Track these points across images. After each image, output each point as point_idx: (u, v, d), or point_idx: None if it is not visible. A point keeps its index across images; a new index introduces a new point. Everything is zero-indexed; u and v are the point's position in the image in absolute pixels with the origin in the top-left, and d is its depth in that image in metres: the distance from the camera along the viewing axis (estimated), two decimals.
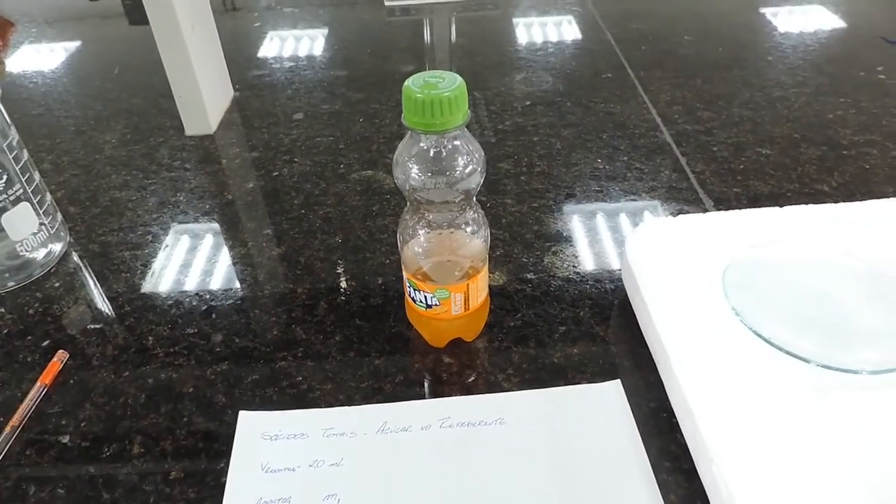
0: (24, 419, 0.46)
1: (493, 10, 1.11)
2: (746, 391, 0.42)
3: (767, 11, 1.05)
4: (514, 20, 1.07)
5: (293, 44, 1.02)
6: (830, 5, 1.06)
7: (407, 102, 0.38)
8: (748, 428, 0.40)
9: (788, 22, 1.01)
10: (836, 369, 0.42)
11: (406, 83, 0.38)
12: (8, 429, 0.45)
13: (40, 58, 1.01)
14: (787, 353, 0.43)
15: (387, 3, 1.12)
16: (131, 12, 1.18)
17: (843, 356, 0.42)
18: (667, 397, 0.44)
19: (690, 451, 0.41)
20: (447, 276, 0.46)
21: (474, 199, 0.44)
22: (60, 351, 0.51)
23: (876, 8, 1.08)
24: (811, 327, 0.45)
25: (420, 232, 0.44)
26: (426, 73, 0.39)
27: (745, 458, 0.38)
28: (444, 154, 0.40)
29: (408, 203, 0.44)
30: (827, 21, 1.01)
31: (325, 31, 1.06)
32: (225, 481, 0.42)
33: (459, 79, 0.38)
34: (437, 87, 0.37)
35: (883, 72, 0.85)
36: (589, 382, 0.47)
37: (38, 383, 0.48)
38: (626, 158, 0.70)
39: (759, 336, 0.44)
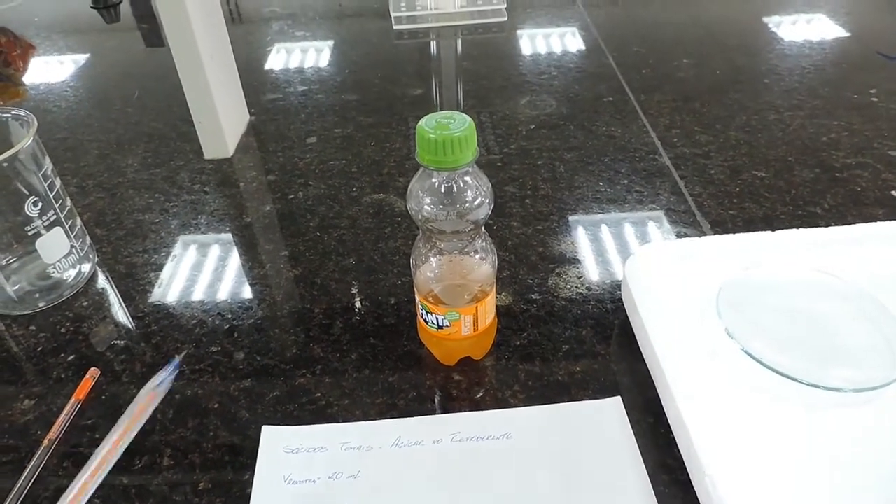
0: (60, 433, 0.49)
1: (497, 32, 1.14)
2: (738, 408, 0.45)
3: (764, 34, 1.08)
4: (519, 43, 1.10)
5: (305, 67, 1.05)
6: (827, 23, 1.09)
7: (420, 142, 0.41)
8: (739, 442, 0.43)
9: (784, 45, 1.04)
10: (822, 387, 0.45)
11: (420, 124, 0.41)
12: (45, 442, 0.48)
13: (63, 80, 1.05)
14: (776, 371, 0.46)
15: (395, 27, 1.16)
16: (148, 36, 1.21)
17: (828, 375, 0.45)
18: (664, 413, 0.47)
19: (686, 464, 0.44)
20: (457, 299, 0.48)
21: (483, 227, 0.47)
22: (92, 368, 0.54)
23: (873, 23, 1.10)
24: (799, 347, 0.48)
25: (432, 258, 0.47)
26: (438, 113, 0.42)
27: (736, 471, 0.41)
28: (455, 188, 0.43)
29: (420, 231, 0.47)
30: (822, 42, 1.04)
31: (336, 53, 1.10)
32: (250, 492, 0.44)
33: (469, 119, 0.41)
34: (448, 128, 0.40)
35: (875, 94, 0.88)
36: (591, 399, 0.49)
37: (73, 399, 0.51)
38: (626, 181, 0.73)
39: (750, 355, 0.47)
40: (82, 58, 1.13)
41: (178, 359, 0.53)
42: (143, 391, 0.51)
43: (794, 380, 0.45)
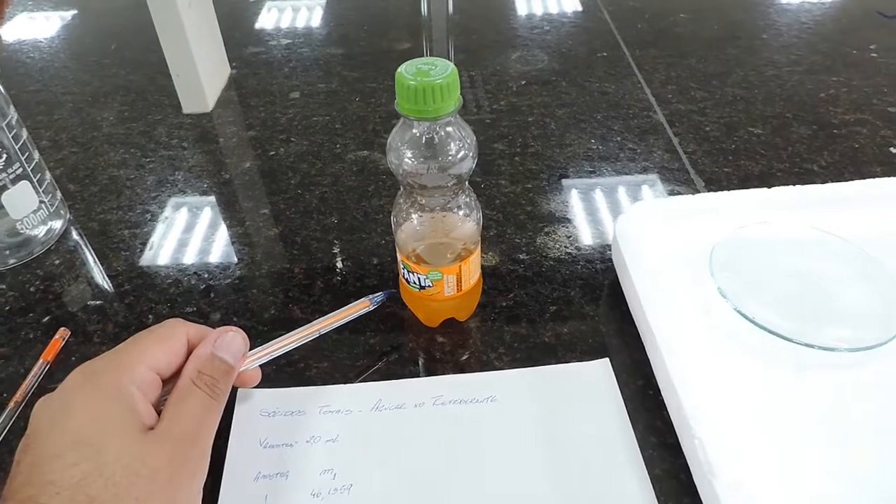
0: (27, 396, 0.47)
1: None
2: (729, 368, 0.44)
3: None
4: None
5: (289, 20, 1.01)
6: None
7: (400, 89, 0.38)
8: (730, 404, 0.42)
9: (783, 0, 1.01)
10: (817, 347, 0.43)
11: (399, 70, 0.39)
12: (11, 405, 0.46)
13: (36, 31, 1.01)
14: (770, 331, 0.44)
15: None
16: None
17: (823, 334, 0.44)
18: (653, 375, 0.45)
19: (675, 426, 0.42)
20: (440, 258, 0.47)
21: (466, 182, 0.44)
22: (62, 328, 0.52)
23: None
24: (794, 306, 0.46)
25: (413, 215, 0.45)
26: (419, 59, 0.39)
27: (726, 433, 0.39)
28: (437, 140, 0.40)
29: (401, 187, 0.45)
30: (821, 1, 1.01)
31: (322, 6, 1.06)
32: (224, 456, 0.43)
33: (452, 66, 0.39)
34: (429, 75, 0.38)
35: (875, 50, 0.86)
36: (579, 361, 0.48)
37: (41, 360, 0.49)
38: (619, 139, 0.71)
39: (743, 315, 0.45)
40: (58, 6, 1.09)
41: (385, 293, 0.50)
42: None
43: (789, 340, 0.44)
